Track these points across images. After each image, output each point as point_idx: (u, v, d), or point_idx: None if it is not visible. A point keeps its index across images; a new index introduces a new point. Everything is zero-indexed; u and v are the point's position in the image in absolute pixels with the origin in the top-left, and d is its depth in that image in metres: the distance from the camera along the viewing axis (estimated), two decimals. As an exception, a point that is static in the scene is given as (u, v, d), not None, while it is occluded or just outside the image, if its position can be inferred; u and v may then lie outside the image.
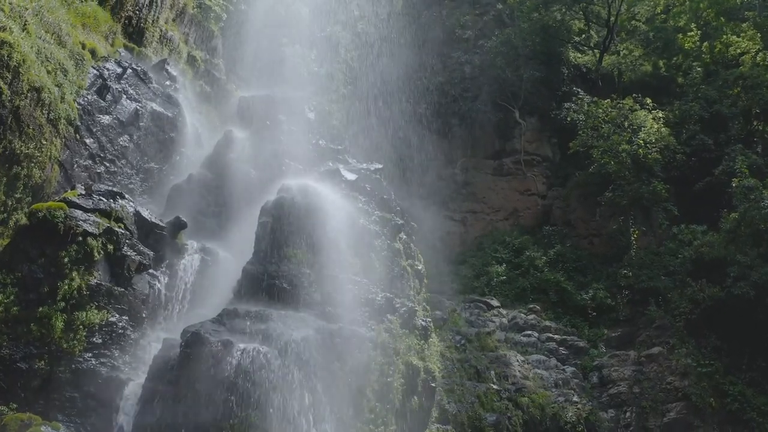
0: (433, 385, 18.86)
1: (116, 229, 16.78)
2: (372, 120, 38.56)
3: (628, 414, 28.90)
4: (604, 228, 37.54)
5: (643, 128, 34.83)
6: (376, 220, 19.45)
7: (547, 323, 33.84)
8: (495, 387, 27.91)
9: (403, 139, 41.71)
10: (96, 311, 15.88)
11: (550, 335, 33.05)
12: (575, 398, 29.12)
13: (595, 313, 34.11)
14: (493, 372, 28.89)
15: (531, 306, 35.14)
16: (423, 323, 19.73)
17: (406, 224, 23.12)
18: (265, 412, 14.12)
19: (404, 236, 21.61)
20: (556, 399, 28.72)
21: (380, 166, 22.48)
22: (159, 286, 17.93)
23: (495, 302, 35.44)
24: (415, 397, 18.29)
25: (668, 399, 28.83)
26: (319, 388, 14.84)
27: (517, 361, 30.04)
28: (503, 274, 36.93)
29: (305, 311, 16.03)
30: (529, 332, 32.99)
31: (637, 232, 35.54)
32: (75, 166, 18.93)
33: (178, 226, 19.20)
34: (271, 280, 16.35)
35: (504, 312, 34.93)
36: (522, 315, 34.19)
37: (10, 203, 16.84)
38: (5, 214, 16.74)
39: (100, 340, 15.85)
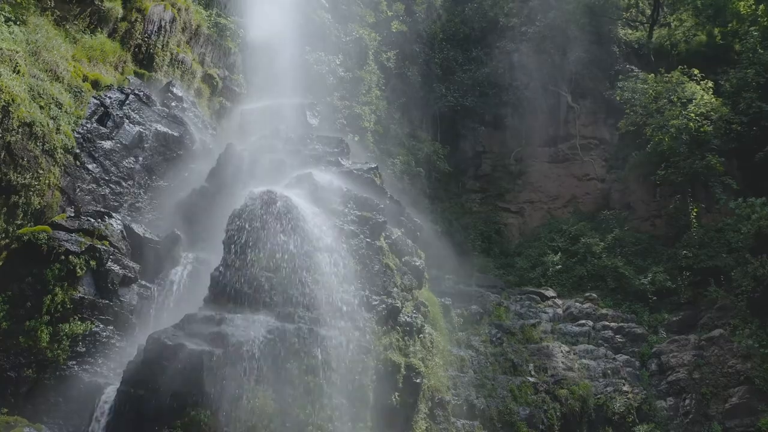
0: (417, 381, 18.86)
1: (99, 246, 18.10)
2: (415, 116, 38.69)
3: (687, 401, 27.91)
4: (664, 208, 35.90)
5: (693, 100, 33.03)
6: (354, 220, 19.65)
7: (604, 311, 32.79)
8: (531, 380, 27.38)
9: (453, 134, 41.52)
10: (79, 322, 17.25)
11: (606, 323, 32.03)
12: (625, 387, 28.20)
13: (655, 298, 32.80)
14: (531, 365, 28.34)
15: (588, 294, 34.24)
16: (408, 319, 19.75)
17: (407, 221, 23.27)
18: (214, 411, 14.87)
19: (399, 233, 21.74)
20: (604, 389, 27.91)
21: (374, 165, 22.65)
22: (150, 296, 19.16)
23: (550, 292, 34.70)
24: (396, 393, 18.40)
25: (730, 383, 27.67)
26: (269, 387, 15.39)
27: (561, 351, 29.29)
28: (559, 263, 36.16)
29: (265, 313, 16.58)
30: (584, 321, 32.10)
31: (696, 209, 33.76)
32: (77, 190, 20.50)
33: (173, 239, 20.47)
34: (234, 284, 17.05)
35: (559, 302, 34.16)
36: (577, 304, 33.31)
37: (10, 230, 18.51)
38: (7, 240, 18.44)
39: (83, 349, 17.21)
